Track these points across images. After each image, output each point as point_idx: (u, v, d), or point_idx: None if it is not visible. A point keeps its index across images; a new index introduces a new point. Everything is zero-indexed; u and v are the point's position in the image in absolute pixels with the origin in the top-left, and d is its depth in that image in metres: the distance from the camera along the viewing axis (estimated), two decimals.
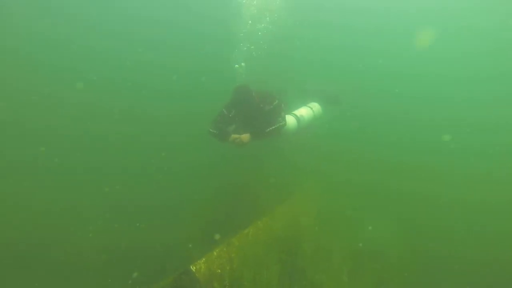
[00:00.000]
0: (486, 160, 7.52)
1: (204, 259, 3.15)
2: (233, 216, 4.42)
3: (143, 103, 8.67)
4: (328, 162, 5.69)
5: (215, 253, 3.30)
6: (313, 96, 5.93)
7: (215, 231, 3.84)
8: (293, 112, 5.29)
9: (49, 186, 5.78)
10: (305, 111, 5.42)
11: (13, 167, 6.22)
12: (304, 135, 5.63)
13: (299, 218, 4.13)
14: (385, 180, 5.62)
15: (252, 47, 7.18)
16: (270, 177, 5.11)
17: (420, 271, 4.34)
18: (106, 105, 8.36)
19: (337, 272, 3.40)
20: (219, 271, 3.15)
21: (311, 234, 3.88)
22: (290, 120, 5.02)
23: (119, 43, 11.12)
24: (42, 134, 7.08)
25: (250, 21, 7.61)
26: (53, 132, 7.17)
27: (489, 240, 4.96)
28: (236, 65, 6.20)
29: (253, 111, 4.59)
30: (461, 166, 7.02)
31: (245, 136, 4.37)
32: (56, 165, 6.37)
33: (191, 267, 2.98)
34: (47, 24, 10.33)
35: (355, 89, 9.12)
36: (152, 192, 5.67)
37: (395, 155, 6.94)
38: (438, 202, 5.65)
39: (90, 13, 11.36)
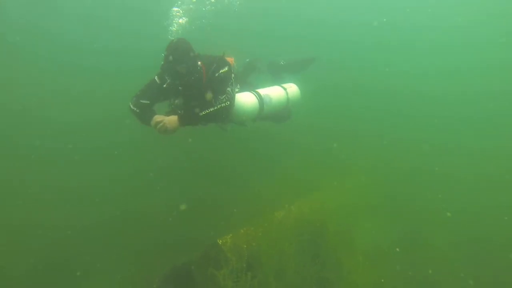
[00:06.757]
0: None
1: (231, 235, 3.53)
2: (267, 202, 4.68)
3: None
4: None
5: (242, 231, 3.67)
6: (286, 69, 4.73)
7: (248, 215, 4.18)
8: (256, 90, 3.85)
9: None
10: (275, 91, 3.96)
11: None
12: (272, 122, 4.39)
13: (326, 204, 4.27)
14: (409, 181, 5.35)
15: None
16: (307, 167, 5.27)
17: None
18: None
19: (355, 254, 3.51)
20: (245, 246, 3.49)
21: (336, 218, 4.01)
22: (247, 99, 3.63)
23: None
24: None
25: None
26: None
27: None
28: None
29: (192, 80, 3.25)
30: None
31: (171, 121, 3.12)
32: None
33: (218, 240, 3.37)
34: None
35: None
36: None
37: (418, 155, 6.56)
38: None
39: None
